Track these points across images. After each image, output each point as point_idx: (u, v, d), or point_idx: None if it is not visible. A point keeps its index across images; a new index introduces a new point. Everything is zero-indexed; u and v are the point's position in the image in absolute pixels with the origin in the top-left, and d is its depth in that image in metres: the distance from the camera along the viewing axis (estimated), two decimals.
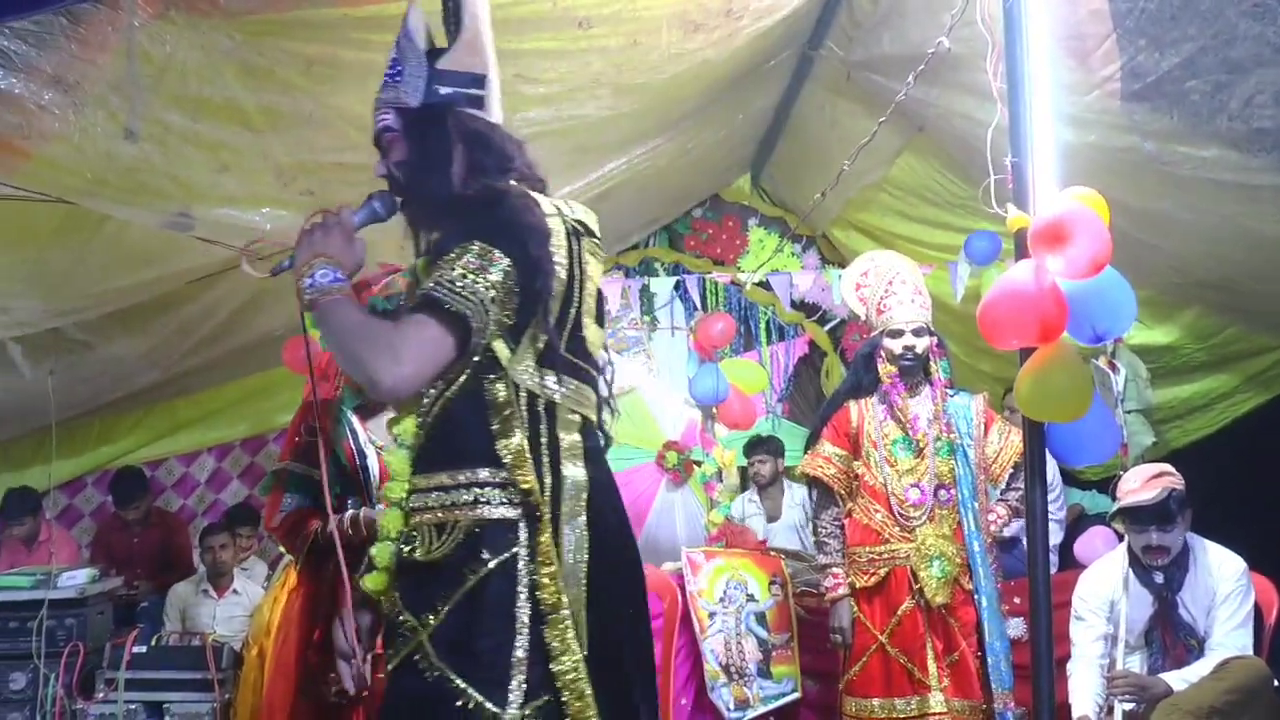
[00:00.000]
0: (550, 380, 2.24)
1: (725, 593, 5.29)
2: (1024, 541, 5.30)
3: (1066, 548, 5.71)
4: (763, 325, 8.27)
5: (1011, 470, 4.36)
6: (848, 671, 4.30)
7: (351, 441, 3.52)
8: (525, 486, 2.17)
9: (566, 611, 2.15)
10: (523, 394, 2.21)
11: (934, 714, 4.11)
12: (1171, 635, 4.05)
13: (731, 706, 5.07)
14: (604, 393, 2.42)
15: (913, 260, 4.65)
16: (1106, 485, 5.05)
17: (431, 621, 2.15)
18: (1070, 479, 6.61)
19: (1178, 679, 3.89)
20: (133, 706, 4.85)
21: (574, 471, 2.25)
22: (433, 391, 2.22)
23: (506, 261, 2.15)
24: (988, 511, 4.34)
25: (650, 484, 8.00)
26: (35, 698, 4.88)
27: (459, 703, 2.10)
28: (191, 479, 7.67)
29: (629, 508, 7.62)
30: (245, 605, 5.85)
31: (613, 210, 6.84)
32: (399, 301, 3.39)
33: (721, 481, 6.75)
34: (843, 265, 6.87)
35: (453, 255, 2.15)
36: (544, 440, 2.22)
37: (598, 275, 2.40)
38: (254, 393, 7.33)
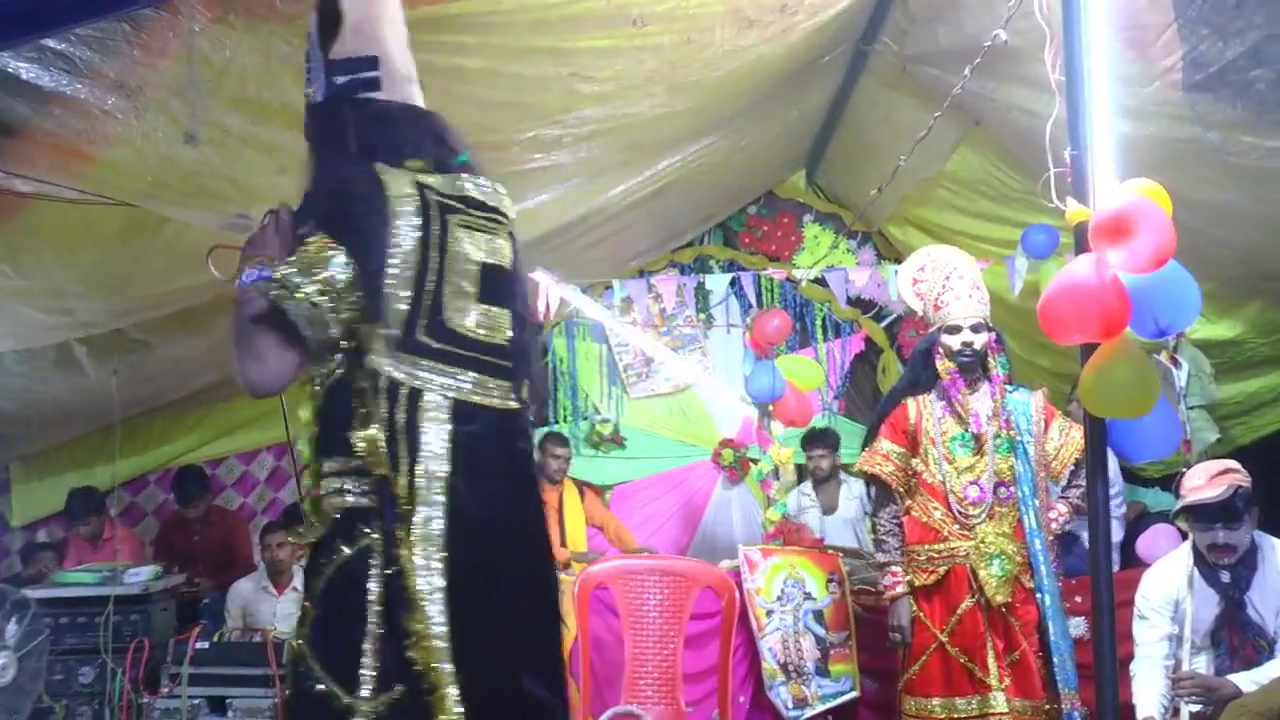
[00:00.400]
0: (410, 366, 2.18)
1: (783, 591, 5.28)
2: (1084, 539, 5.27)
3: (1128, 546, 5.64)
4: (818, 322, 8.24)
5: (1073, 467, 4.31)
6: (907, 670, 4.27)
7: None
8: (379, 474, 2.14)
9: (423, 601, 2.11)
10: (383, 381, 2.16)
11: (995, 714, 4.08)
12: (1239, 635, 3.98)
13: (790, 705, 5.07)
14: (523, 372, 2.34)
15: (970, 255, 4.61)
16: (1169, 482, 4.97)
17: (308, 609, 2.17)
18: (1132, 476, 6.52)
19: (1246, 680, 3.82)
20: (196, 701, 4.91)
21: (434, 457, 2.16)
22: (317, 381, 2.22)
23: (342, 252, 2.14)
24: (1048, 509, 4.29)
25: (706, 482, 8.01)
26: (103, 691, 4.97)
27: (320, 688, 2.11)
28: (251, 477, 7.75)
29: (684, 505, 7.67)
30: None
31: (667, 208, 6.86)
32: None
33: (778, 479, 6.73)
34: (899, 261, 6.81)
35: (299, 249, 2.16)
36: (401, 427, 2.16)
37: (479, 250, 2.31)
38: None
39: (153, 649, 5.05)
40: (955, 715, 4.12)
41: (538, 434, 6.97)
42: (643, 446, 8.09)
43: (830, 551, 5.68)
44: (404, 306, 2.17)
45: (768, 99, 5.91)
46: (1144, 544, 5.16)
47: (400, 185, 2.23)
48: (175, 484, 7.05)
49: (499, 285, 2.32)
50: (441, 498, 2.14)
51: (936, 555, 4.24)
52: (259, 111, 3.64)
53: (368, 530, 2.16)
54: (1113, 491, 5.48)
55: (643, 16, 4.01)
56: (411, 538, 2.13)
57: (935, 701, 4.16)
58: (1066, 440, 4.31)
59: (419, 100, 2.42)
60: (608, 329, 7.99)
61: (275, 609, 5.90)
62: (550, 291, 6.43)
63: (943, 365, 4.31)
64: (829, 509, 6.85)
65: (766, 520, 6.59)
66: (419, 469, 2.15)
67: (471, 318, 2.25)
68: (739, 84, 5.16)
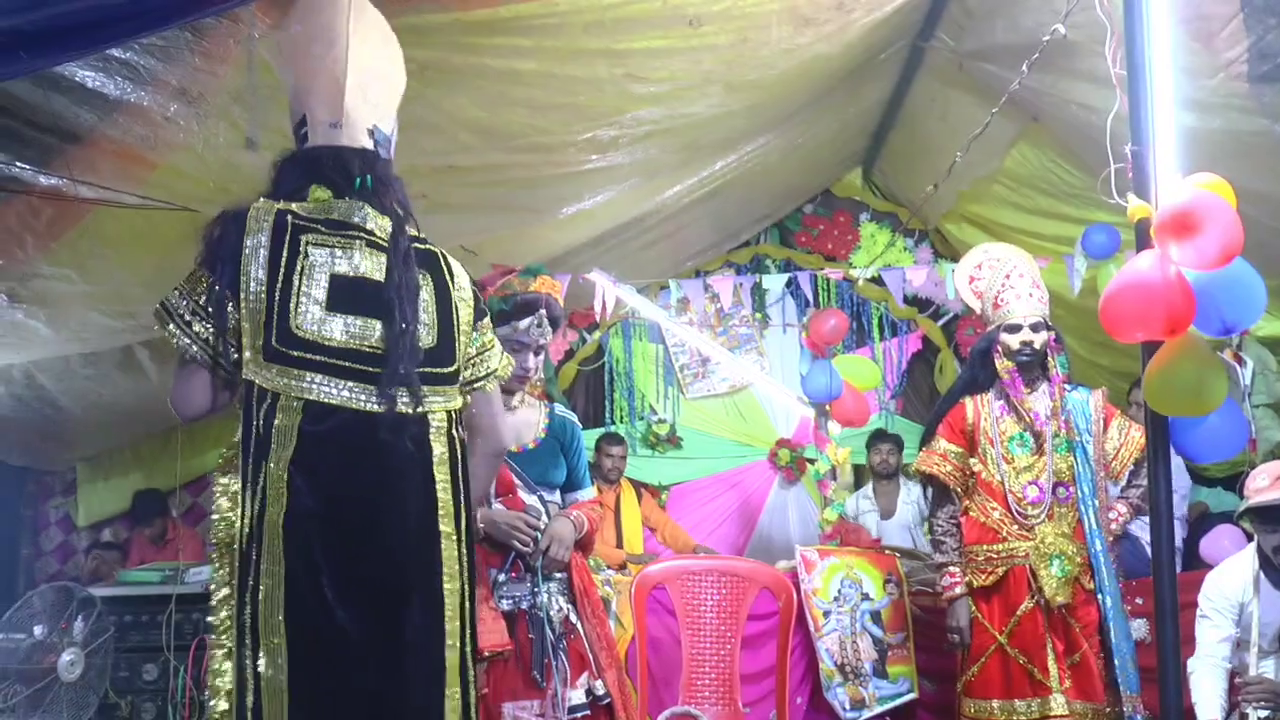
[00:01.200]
0: (268, 372, 2.32)
1: (840, 591, 5.25)
2: (1138, 537, 5.20)
3: (1190, 547, 5.56)
4: (875, 321, 8.20)
5: (1133, 467, 4.27)
6: (966, 672, 4.23)
7: None
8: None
9: (262, 587, 2.25)
10: (254, 390, 2.32)
11: (1055, 716, 4.03)
12: None
13: (847, 706, 5.04)
14: (396, 377, 2.41)
15: (1029, 253, 4.56)
16: (1232, 482, 4.89)
17: None
18: (1194, 475, 6.43)
19: None
20: None
21: (275, 458, 2.30)
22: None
23: (210, 279, 2.35)
24: (1108, 509, 4.24)
25: (763, 482, 8.00)
26: (166, 688, 5.04)
27: None
28: None
29: (741, 505, 7.62)
30: None
31: (723, 207, 6.86)
32: (515, 301, 3.43)
33: (835, 479, 6.71)
34: (956, 259, 6.76)
35: None
36: (256, 429, 2.31)
37: (331, 263, 2.41)
38: None
39: None
40: (1015, 717, 4.08)
41: (592, 435, 7.00)
42: (699, 447, 8.09)
43: (888, 552, 5.65)
44: (260, 318, 2.32)
45: (824, 97, 5.89)
46: (1208, 545, 5.09)
47: (259, 213, 2.39)
48: None
49: (360, 296, 2.41)
50: (280, 497, 2.28)
51: (995, 556, 4.20)
52: None
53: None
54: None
55: (698, 16, 4.01)
56: (262, 529, 2.28)
57: (995, 704, 4.12)
58: (1126, 440, 4.26)
59: (356, 138, 2.54)
60: (664, 329, 8.00)
61: None
62: (606, 292, 6.44)
63: (1002, 365, 4.27)
64: (887, 513, 6.82)
65: (823, 520, 6.57)
66: (270, 467, 2.29)
67: (325, 326, 2.36)
68: (795, 83, 5.15)
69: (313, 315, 2.35)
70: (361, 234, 2.46)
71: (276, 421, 2.30)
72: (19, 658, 4.51)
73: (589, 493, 3.70)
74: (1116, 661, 4.06)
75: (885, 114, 7.13)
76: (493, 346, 2.65)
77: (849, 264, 7.93)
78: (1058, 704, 4.03)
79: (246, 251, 2.34)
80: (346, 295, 2.39)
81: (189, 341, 2.33)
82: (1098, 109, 3.62)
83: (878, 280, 7.18)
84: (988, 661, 4.16)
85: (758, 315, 8.19)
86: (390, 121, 2.64)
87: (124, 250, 4.42)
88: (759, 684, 5.21)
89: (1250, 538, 4.20)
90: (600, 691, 3.42)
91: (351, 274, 2.42)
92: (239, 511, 2.30)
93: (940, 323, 8.10)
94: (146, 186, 3.78)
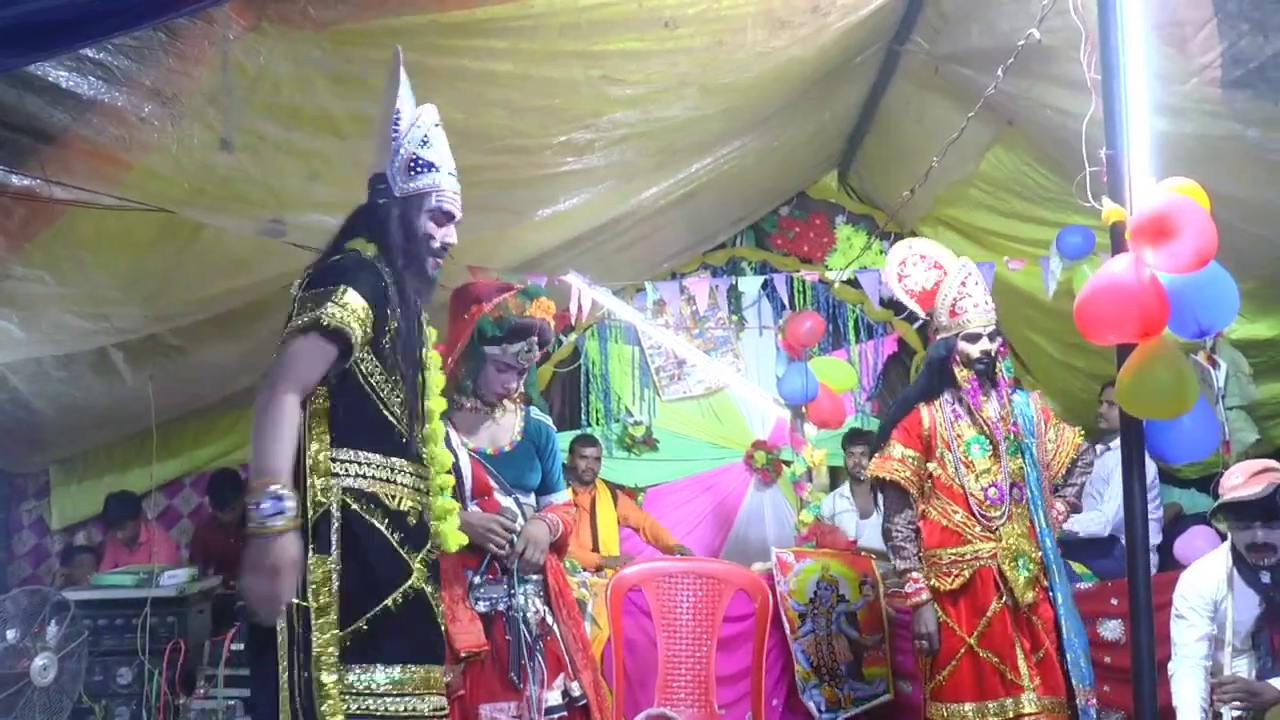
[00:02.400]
0: None
1: (815, 593, 5.27)
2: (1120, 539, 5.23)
3: (1165, 548, 5.59)
4: (851, 323, 8.21)
5: (1069, 466, 4.37)
6: (934, 677, 4.22)
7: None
8: None
9: None
10: None
11: (1028, 714, 4.04)
12: None
13: (823, 708, 5.07)
14: None
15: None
16: (1206, 483, 4.91)
17: None
18: (1168, 477, 6.47)
19: None
20: (231, 702, 4.94)
21: None
22: None
23: None
24: (1050, 507, 4.30)
25: (739, 484, 8.00)
26: (141, 692, 5.01)
27: None
28: None
29: (717, 507, 7.65)
30: None
31: (699, 210, 6.86)
32: (509, 326, 3.45)
33: (811, 481, 6.71)
34: None
35: None
36: None
37: None
38: None
39: (189, 651, 5.09)
40: (988, 718, 4.09)
41: (566, 436, 6.98)
42: (675, 449, 8.09)
43: (863, 554, 5.66)
44: None
45: (800, 100, 5.89)
46: (1182, 546, 5.11)
47: None
48: (210, 487, 7.10)
49: None
50: None
51: (960, 559, 4.20)
52: (292, 118, 3.67)
53: None
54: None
55: (674, 19, 4.01)
56: None
57: (968, 706, 4.12)
58: (1062, 440, 4.40)
59: None
60: (640, 331, 7.99)
61: None
62: (582, 294, 6.43)
63: (962, 373, 4.28)
64: (865, 512, 6.83)
65: (799, 522, 6.58)
66: None
67: None
68: (771, 85, 5.15)
69: None
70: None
71: None
72: None
73: (564, 496, 3.71)
74: (1069, 657, 4.10)
75: (861, 117, 7.14)
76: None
77: (825, 266, 7.94)
78: (1029, 701, 4.06)
79: None
80: None
81: None
82: (1073, 113, 3.63)
83: (853, 283, 7.18)
84: (959, 664, 4.16)
85: (734, 317, 8.20)
86: (386, 151, 2.95)
87: (98, 252, 4.39)
88: (735, 685, 5.22)
89: (1224, 538, 4.23)
90: (576, 693, 3.43)
91: None
92: None
93: (916, 325, 8.09)
94: (121, 187, 3.75)
